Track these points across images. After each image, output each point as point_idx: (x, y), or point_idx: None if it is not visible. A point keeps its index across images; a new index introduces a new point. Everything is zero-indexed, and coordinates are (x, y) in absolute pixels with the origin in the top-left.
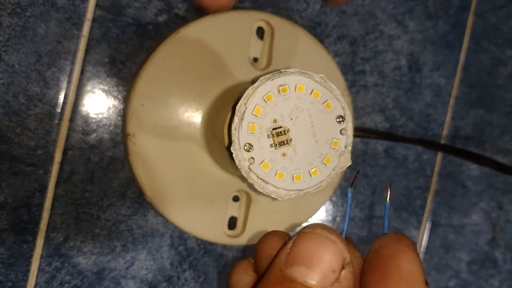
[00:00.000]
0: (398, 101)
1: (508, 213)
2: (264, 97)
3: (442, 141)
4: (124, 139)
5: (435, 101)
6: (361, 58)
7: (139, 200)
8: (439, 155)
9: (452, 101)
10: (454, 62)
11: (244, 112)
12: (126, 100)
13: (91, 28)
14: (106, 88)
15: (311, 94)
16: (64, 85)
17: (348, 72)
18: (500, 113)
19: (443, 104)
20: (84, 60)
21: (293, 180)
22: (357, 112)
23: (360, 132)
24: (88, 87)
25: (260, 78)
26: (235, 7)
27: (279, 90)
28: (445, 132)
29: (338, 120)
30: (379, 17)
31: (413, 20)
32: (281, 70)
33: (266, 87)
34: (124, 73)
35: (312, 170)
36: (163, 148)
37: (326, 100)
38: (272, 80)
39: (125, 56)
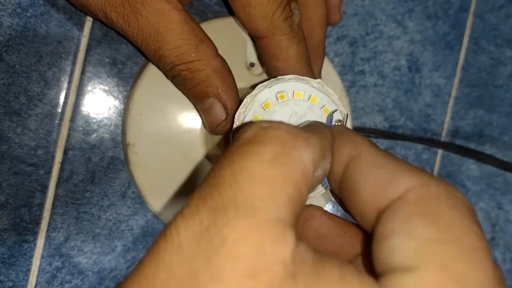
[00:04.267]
0: (397, 101)
1: (507, 213)
2: (263, 105)
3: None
4: (124, 148)
5: (434, 101)
6: (361, 58)
7: (139, 200)
8: (439, 155)
9: (451, 101)
10: (453, 62)
11: (243, 120)
12: (125, 110)
13: (92, 28)
14: (107, 88)
15: (309, 99)
16: (65, 85)
17: (348, 73)
18: (499, 113)
19: (442, 104)
20: (85, 60)
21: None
22: (357, 112)
23: (359, 131)
24: (89, 87)
25: (258, 86)
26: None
27: (277, 97)
28: (444, 132)
29: (337, 124)
30: (379, 18)
31: (412, 20)
32: (278, 77)
33: (264, 95)
34: (124, 73)
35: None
36: (164, 156)
37: (324, 105)
38: (270, 87)
39: (125, 57)
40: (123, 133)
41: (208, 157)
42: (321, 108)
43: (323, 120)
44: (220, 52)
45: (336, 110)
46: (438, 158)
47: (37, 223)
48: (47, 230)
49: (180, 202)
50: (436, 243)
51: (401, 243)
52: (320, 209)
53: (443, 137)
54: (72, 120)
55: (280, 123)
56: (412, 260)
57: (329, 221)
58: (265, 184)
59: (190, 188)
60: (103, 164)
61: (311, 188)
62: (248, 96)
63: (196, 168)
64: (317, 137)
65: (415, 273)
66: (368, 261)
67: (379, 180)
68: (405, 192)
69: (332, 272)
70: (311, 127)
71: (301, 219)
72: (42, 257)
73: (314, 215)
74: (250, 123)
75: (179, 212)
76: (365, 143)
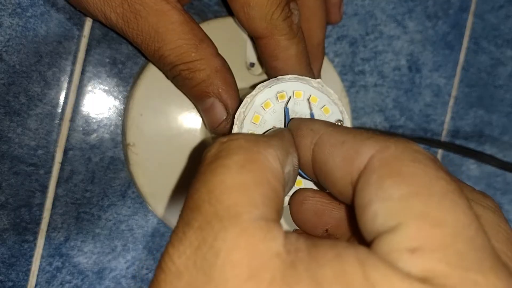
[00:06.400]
0: (398, 101)
1: (507, 213)
2: (263, 105)
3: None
4: (124, 148)
5: (434, 101)
6: (361, 58)
7: (139, 200)
8: (439, 155)
9: (451, 101)
10: (453, 62)
11: (243, 120)
12: (125, 110)
13: (92, 28)
14: (107, 88)
15: (309, 99)
16: (65, 85)
17: (348, 73)
18: (499, 113)
19: (442, 104)
20: (85, 60)
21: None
22: (357, 112)
23: None
24: (89, 87)
25: (258, 86)
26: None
27: (277, 97)
28: (444, 132)
29: (337, 124)
30: (379, 18)
31: (412, 20)
32: (278, 77)
33: (264, 95)
34: (124, 73)
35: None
36: (164, 156)
37: (324, 105)
38: (270, 87)
39: (125, 57)
40: (123, 133)
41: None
42: (321, 108)
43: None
44: (220, 52)
45: (290, 99)
46: (438, 158)
47: (37, 223)
48: (47, 230)
49: (180, 202)
50: (410, 197)
51: (379, 208)
52: (311, 190)
53: (443, 137)
54: (72, 120)
55: (238, 134)
56: (392, 220)
57: (322, 198)
58: (240, 191)
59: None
60: (103, 164)
61: (286, 184)
62: (248, 96)
63: (196, 169)
64: (276, 138)
65: (399, 230)
66: (354, 228)
67: (344, 156)
68: (370, 160)
69: (328, 253)
70: (269, 133)
71: (296, 202)
72: (42, 257)
73: (307, 196)
74: (211, 143)
75: (168, 243)
76: (323, 127)
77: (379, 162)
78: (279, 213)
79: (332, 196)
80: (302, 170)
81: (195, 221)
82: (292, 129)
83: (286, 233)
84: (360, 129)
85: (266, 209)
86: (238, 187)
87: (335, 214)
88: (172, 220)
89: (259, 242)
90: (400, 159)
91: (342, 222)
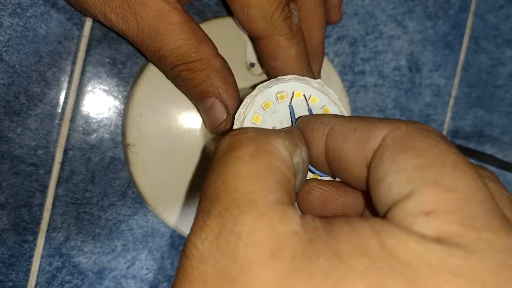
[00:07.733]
0: (398, 101)
1: None
2: (263, 105)
3: None
4: (124, 148)
5: (435, 101)
6: (361, 58)
7: (139, 200)
8: None
9: (451, 101)
10: (453, 62)
11: (243, 120)
12: (125, 110)
13: (92, 28)
14: (107, 88)
15: (309, 100)
16: (65, 85)
17: (348, 73)
18: (499, 113)
19: (442, 104)
20: (85, 60)
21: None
22: (357, 112)
23: None
24: (89, 87)
25: (258, 86)
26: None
27: (277, 98)
28: (444, 132)
29: None
30: (379, 18)
31: (412, 20)
32: (278, 78)
33: (264, 95)
34: (124, 73)
35: (312, 175)
36: (164, 156)
37: (324, 105)
38: (270, 87)
39: (125, 57)
40: (123, 133)
41: (208, 157)
42: (321, 108)
43: None
44: (220, 52)
45: (293, 96)
46: None
47: (37, 223)
48: (47, 230)
49: (180, 202)
50: (423, 168)
51: (394, 180)
52: (317, 180)
53: None
54: (72, 120)
55: (247, 127)
56: (407, 188)
57: (328, 187)
58: (254, 179)
59: (190, 188)
60: (103, 164)
61: (296, 173)
62: (248, 96)
63: (196, 169)
64: (284, 131)
65: (413, 196)
66: (373, 210)
67: (358, 140)
68: (383, 139)
69: (343, 228)
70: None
71: (302, 193)
72: (42, 257)
73: (313, 187)
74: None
75: (190, 233)
76: (333, 118)
77: (392, 140)
78: (292, 198)
79: (345, 185)
80: (315, 164)
81: (214, 210)
82: (301, 125)
83: (302, 215)
84: (370, 116)
85: (280, 194)
86: (251, 176)
87: (342, 201)
88: (172, 220)
89: (277, 223)
90: (412, 136)
91: (349, 208)
